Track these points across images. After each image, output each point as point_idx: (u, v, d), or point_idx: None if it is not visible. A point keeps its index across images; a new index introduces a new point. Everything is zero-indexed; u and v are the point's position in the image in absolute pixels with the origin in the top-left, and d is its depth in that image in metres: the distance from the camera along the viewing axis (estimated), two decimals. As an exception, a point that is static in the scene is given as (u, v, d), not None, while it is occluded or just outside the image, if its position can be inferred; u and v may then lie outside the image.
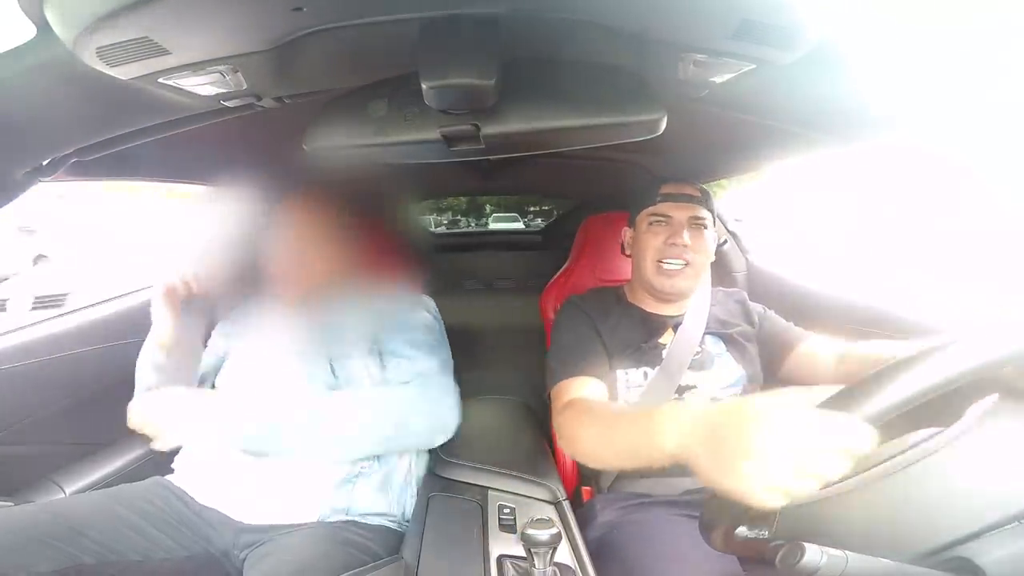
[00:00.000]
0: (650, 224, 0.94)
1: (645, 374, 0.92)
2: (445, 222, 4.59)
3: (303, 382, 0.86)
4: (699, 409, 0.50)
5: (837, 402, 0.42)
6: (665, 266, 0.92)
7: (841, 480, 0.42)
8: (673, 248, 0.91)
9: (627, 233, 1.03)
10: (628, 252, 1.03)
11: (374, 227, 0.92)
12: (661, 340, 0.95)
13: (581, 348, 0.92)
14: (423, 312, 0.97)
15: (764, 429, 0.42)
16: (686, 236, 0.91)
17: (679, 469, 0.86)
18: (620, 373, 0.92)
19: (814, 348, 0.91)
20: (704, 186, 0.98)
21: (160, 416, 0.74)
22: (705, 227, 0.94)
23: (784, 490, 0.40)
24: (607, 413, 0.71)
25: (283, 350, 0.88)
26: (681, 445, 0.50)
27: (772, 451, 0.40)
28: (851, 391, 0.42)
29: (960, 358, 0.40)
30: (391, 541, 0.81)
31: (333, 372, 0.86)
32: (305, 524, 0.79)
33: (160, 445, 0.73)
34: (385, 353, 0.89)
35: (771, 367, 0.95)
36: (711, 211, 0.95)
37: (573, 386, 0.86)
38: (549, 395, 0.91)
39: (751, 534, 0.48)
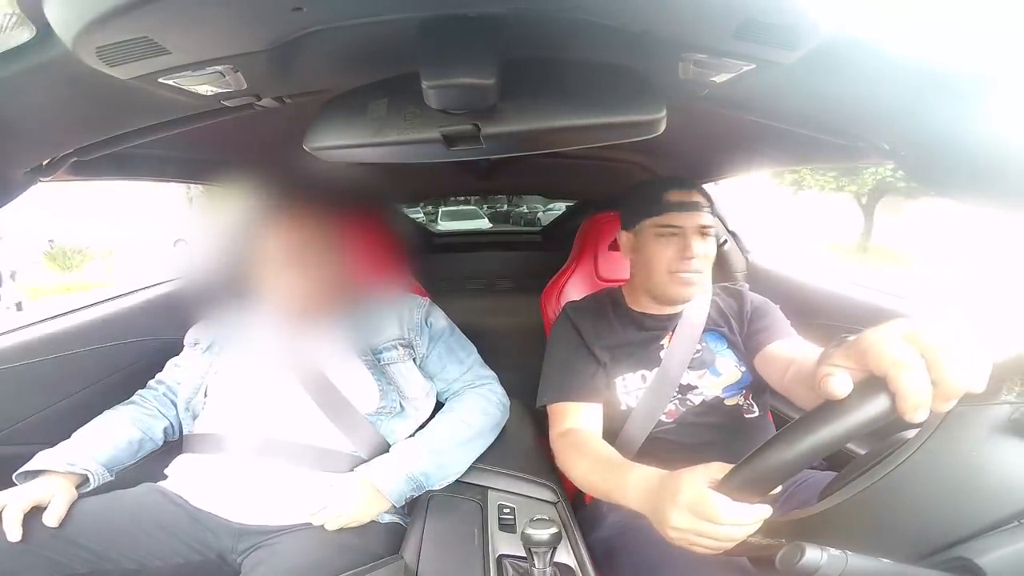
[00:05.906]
0: (658, 235, 0.91)
1: (643, 377, 0.92)
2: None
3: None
4: (654, 481, 0.63)
5: (724, 483, 0.51)
6: (681, 276, 0.90)
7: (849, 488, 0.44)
8: (685, 261, 0.89)
9: (625, 237, 0.99)
10: (626, 256, 1.00)
11: (371, 228, 0.92)
12: (660, 342, 0.94)
13: (575, 369, 0.92)
14: (427, 310, 1.04)
15: (670, 510, 0.55)
16: (697, 246, 0.89)
17: None
18: (618, 381, 0.92)
19: (777, 351, 0.87)
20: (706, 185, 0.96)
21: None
22: (711, 234, 0.92)
23: (697, 550, 0.54)
24: (594, 454, 0.79)
25: (283, 365, 0.87)
26: (638, 506, 0.65)
27: (676, 527, 0.55)
28: (735, 470, 0.50)
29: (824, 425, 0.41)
30: (391, 540, 0.81)
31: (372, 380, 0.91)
32: (303, 524, 0.78)
33: None
34: (423, 358, 0.99)
35: (750, 367, 0.93)
36: (715, 215, 0.94)
37: (568, 413, 0.89)
38: (544, 407, 0.92)
39: (764, 541, 0.50)
